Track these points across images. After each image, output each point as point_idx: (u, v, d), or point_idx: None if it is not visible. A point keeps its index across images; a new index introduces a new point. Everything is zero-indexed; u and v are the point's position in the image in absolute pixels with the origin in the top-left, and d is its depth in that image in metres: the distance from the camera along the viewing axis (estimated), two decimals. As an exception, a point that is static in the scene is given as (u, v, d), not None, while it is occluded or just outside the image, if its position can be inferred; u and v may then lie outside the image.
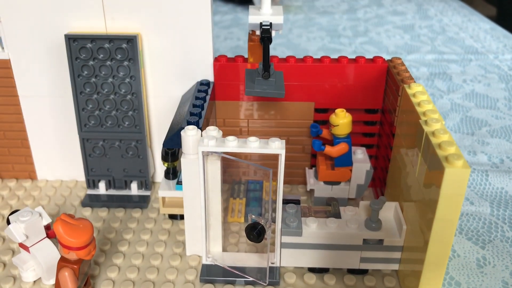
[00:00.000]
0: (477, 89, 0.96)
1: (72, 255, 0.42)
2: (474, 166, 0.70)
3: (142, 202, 0.60)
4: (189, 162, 0.47)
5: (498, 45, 1.20)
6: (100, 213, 0.59)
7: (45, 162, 0.64)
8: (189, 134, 0.46)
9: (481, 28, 1.33)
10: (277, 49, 1.17)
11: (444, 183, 0.38)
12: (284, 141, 0.45)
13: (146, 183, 0.61)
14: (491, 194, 0.64)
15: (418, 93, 0.49)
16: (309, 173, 0.61)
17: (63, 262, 0.43)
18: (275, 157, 0.45)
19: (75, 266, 0.42)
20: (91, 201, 0.60)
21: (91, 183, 0.62)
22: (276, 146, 0.44)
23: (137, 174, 0.61)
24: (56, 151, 0.63)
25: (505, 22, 1.52)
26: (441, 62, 1.10)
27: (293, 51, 1.18)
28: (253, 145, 0.44)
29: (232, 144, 0.45)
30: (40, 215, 0.47)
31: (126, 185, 0.62)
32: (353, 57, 0.59)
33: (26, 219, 0.46)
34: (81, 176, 0.64)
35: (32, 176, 0.65)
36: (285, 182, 0.61)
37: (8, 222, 0.47)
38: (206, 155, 0.46)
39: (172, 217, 0.58)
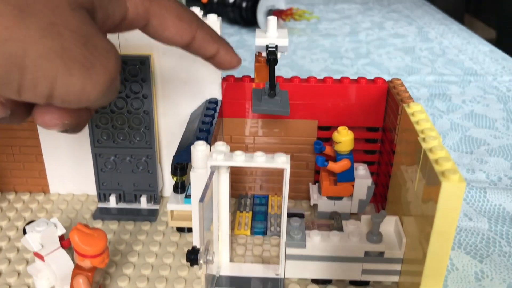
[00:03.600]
0: (476, 109, 0.99)
1: (87, 263, 0.44)
2: (473, 183, 0.72)
3: (151, 216, 0.62)
4: (198, 176, 0.49)
5: (497, 67, 1.23)
6: (111, 225, 0.61)
7: (57, 176, 0.67)
8: (199, 149, 0.48)
9: (480, 51, 1.36)
10: (281, 70, 1.21)
11: (440, 196, 0.40)
12: (289, 155, 0.47)
13: (155, 197, 0.64)
14: (489, 211, 0.66)
15: (417, 112, 0.51)
16: (313, 188, 0.63)
17: (78, 269, 0.45)
18: (280, 172, 0.47)
19: (89, 274, 0.44)
20: (102, 214, 0.63)
21: (102, 196, 0.64)
22: (282, 161, 0.46)
23: (146, 189, 0.63)
24: (69, 166, 0.66)
25: (504, 45, 1.56)
26: (441, 83, 1.13)
27: (297, 71, 1.21)
28: (260, 160, 0.47)
29: (240, 159, 0.47)
30: (55, 225, 0.49)
31: (136, 199, 0.64)
32: (355, 78, 0.62)
33: (42, 229, 0.48)
34: (91, 190, 0.66)
35: (45, 189, 0.67)
36: (289, 198, 0.63)
37: (25, 232, 0.49)
38: (214, 169, 0.48)
39: (180, 230, 0.60)
